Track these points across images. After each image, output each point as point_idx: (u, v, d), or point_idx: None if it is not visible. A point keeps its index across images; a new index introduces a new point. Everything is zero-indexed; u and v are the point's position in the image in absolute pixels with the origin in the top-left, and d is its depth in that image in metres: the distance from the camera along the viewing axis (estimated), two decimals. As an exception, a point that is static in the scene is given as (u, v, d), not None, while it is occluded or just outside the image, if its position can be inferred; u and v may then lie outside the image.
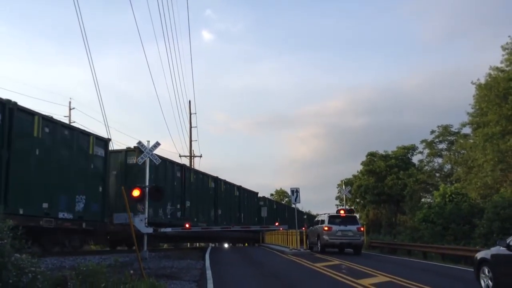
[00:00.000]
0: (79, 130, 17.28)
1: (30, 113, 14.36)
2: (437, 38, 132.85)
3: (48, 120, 15.17)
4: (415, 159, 50.98)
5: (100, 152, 17.87)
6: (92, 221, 16.82)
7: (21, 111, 13.88)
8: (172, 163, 24.09)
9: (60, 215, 15.09)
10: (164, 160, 22.31)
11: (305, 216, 56.51)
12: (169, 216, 22.67)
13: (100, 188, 17.81)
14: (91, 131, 17.79)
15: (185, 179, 25.05)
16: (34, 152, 14.35)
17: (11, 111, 13.43)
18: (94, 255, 16.02)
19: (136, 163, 19.60)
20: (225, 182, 31.77)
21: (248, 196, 37.18)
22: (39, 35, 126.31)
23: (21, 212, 13.48)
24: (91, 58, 30.25)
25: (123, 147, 21.62)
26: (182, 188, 24.51)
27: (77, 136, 16.54)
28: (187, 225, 21.45)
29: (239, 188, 34.98)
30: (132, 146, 20.68)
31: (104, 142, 18.35)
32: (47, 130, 14.90)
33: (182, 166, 25.67)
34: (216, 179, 29.86)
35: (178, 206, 24.00)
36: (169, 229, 20.56)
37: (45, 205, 14.61)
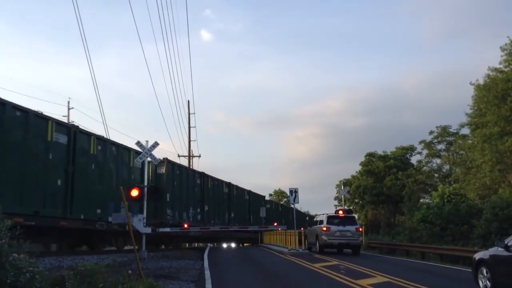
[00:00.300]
0: (123, 146, 20.14)
1: (88, 134, 17.49)
2: (437, 38, 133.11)
3: (100, 139, 18.19)
4: (414, 159, 51.15)
5: (138, 164, 20.33)
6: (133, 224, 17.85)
7: (81, 133, 17.12)
8: (193, 171, 28.93)
9: (109, 219, 16.96)
10: (186, 168, 27.60)
11: (307, 218, 56.49)
12: (191, 219, 25.43)
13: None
14: (131, 147, 20.39)
15: (204, 185, 28.43)
16: (91, 167, 17.46)
17: (75, 134, 16.48)
18: (92, 255, 16.01)
19: (164, 173, 23.18)
20: (237, 187, 35.00)
21: (256, 199, 39.99)
22: (38, 34, 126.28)
23: (82, 217, 16.59)
24: (89, 57, 30.24)
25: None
26: (201, 194, 27.99)
27: (121, 152, 19.78)
28: (185, 225, 21.54)
29: (249, 192, 38.03)
30: (161, 158, 23.06)
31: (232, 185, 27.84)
32: (99, 147, 17.94)
33: (202, 174, 28.94)
34: (229, 185, 33.15)
35: (198, 210, 27.30)
36: (167, 229, 20.61)
37: (98, 211, 17.57)
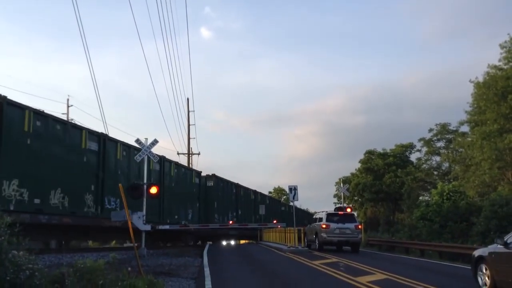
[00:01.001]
0: (184, 166, 29.02)
1: (114, 141, 19.32)
2: (436, 37, 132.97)
3: (125, 145, 20.14)
4: (413, 157, 51.13)
5: (196, 180, 28.42)
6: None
7: (110, 140, 18.89)
8: (231, 183, 34.61)
9: (182, 222, 24.66)
10: (228, 182, 33.90)
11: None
12: (231, 220, 32.31)
13: (198, 204, 28.48)
14: (195, 168, 27.58)
15: (238, 194, 35.50)
16: (117, 171, 19.57)
17: (104, 141, 18.26)
18: (92, 252, 16.02)
19: (212, 185, 30.47)
20: (261, 194, 41.67)
21: (262, 198, 42.81)
22: (37, 32, 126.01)
23: (168, 221, 23.07)
24: (89, 55, 30.16)
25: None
26: (236, 200, 35.19)
27: (188, 172, 27.74)
28: (230, 222, 22.17)
29: (261, 194, 42.50)
30: (210, 174, 31.12)
31: (198, 173, 29.42)
32: (124, 153, 20.02)
33: (236, 185, 35.48)
34: (255, 192, 40.05)
35: (234, 213, 34.13)
36: (166, 227, 20.68)
37: (176, 216, 24.69)
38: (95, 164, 17.71)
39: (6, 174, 13.40)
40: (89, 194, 17.32)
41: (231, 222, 29.68)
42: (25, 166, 14.12)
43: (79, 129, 17.37)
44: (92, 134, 17.72)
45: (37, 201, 14.52)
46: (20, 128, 14.03)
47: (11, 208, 13.32)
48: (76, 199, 16.38)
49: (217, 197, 31.16)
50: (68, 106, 40.04)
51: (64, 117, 32.53)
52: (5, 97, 13.48)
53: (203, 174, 30.58)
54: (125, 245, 24.56)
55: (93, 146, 17.59)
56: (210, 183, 30.44)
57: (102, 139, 18.19)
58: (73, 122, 18.33)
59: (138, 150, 19.46)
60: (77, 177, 16.53)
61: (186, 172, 27.24)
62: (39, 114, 15.03)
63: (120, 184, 12.98)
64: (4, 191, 13.28)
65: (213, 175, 30.73)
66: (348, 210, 25.33)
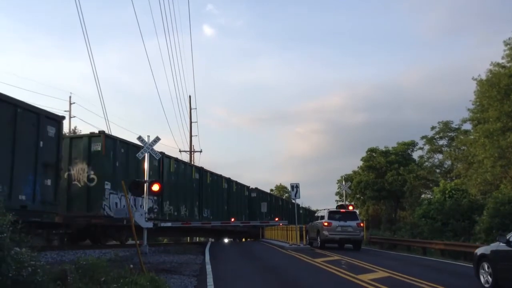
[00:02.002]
0: (189, 164, 29.76)
1: (168, 157, 23.41)
2: (438, 33, 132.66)
3: (176, 160, 24.70)
4: (415, 155, 51.06)
5: (196, 176, 28.10)
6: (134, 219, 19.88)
7: (166, 157, 22.94)
8: (244, 186, 36.84)
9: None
10: (242, 185, 36.24)
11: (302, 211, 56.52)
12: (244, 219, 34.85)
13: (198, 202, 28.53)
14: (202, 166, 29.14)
15: (251, 196, 38.16)
16: (208, 191, 27.82)
17: (162, 158, 21.90)
18: (94, 249, 16.04)
19: (234, 191, 33.67)
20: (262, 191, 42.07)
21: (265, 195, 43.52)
22: (39, 29, 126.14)
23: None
24: (91, 52, 30.15)
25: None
26: (248, 202, 37.87)
27: (188, 168, 26.94)
28: (232, 219, 22.28)
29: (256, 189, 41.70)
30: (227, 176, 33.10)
31: (199, 169, 28.97)
32: (175, 165, 24.23)
33: (255, 189, 39.17)
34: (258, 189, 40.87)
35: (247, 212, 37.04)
36: (169, 224, 20.69)
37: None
38: (198, 187, 26.55)
39: (165, 198, 22.01)
40: (195, 207, 25.98)
41: (232, 219, 29.60)
42: (171, 192, 22.82)
43: (190, 166, 27.05)
44: (197, 167, 27.71)
45: (175, 213, 23.11)
46: (169, 170, 22.99)
47: (166, 218, 21.95)
48: (191, 211, 25.32)
49: (234, 200, 34.02)
50: (70, 104, 40.08)
51: (66, 115, 32.62)
52: (163, 153, 21.80)
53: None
54: (127, 242, 24.58)
55: (197, 176, 26.52)
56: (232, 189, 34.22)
57: (203, 171, 27.82)
58: (190, 163, 27.89)
59: (183, 163, 25.88)
60: (191, 196, 25.58)
61: (186, 168, 27.14)
62: (176, 160, 24.42)
63: (122, 181, 13.09)
64: (164, 208, 21.89)
65: (229, 178, 33.47)
66: (350, 208, 25.30)
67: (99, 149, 17.73)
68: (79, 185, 17.39)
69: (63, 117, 15.39)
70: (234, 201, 33.96)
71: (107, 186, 17.79)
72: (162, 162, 22.71)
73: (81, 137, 18.48)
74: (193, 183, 26.40)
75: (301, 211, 52.58)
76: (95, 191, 17.35)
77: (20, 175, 12.70)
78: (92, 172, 17.34)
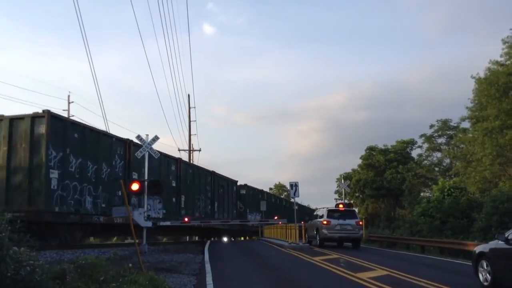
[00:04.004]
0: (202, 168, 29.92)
1: (185, 163, 26.71)
2: (439, 32, 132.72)
3: (186, 163, 27.89)
4: (414, 153, 51.02)
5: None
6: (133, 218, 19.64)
7: (184, 163, 26.56)
8: (255, 189, 40.48)
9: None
10: (254, 189, 39.90)
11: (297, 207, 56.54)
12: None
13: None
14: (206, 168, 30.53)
15: (267, 196, 43.25)
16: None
17: (180, 163, 25.15)
18: (93, 249, 16.04)
19: (245, 194, 37.37)
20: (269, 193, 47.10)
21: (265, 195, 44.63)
22: (39, 28, 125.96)
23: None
24: (89, 51, 30.17)
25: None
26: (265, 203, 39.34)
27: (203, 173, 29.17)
28: (186, 219, 21.67)
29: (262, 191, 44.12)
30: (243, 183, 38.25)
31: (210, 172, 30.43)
32: (190, 171, 26.82)
33: (265, 192, 44.66)
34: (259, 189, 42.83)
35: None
36: (167, 223, 20.68)
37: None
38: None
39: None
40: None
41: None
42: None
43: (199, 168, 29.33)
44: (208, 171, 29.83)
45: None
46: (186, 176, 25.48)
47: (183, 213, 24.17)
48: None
49: (248, 201, 36.35)
50: (69, 103, 40.06)
51: (65, 114, 32.60)
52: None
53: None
54: (126, 241, 24.62)
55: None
56: (243, 191, 36.51)
57: (179, 162, 25.66)
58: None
59: (196, 167, 28.50)
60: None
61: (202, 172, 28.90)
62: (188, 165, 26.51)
63: (122, 180, 13.06)
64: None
65: (246, 185, 37.26)
66: (341, 206, 25.15)
67: (43, 132, 14.85)
68: (19, 175, 14.85)
69: None
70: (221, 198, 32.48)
71: (53, 175, 15.06)
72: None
73: (23, 117, 15.22)
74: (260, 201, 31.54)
75: (296, 207, 52.48)
76: (37, 182, 14.69)
77: None
78: (36, 160, 14.75)
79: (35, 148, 14.80)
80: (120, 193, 17.74)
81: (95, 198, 17.15)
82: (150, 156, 18.75)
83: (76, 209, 15.99)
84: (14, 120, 15.20)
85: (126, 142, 19.55)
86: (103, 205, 17.55)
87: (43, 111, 15.16)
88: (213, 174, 30.43)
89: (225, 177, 33.29)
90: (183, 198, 25.12)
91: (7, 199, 14.54)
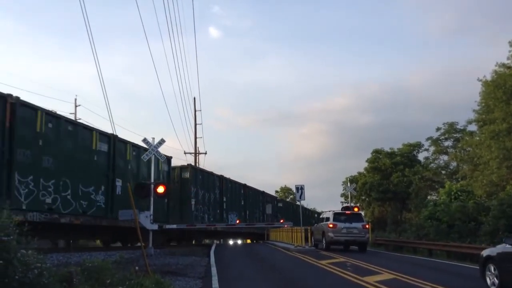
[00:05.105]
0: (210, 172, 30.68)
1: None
2: (444, 34, 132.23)
3: (193, 168, 28.65)
4: (421, 156, 50.94)
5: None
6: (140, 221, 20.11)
7: (202, 171, 29.28)
8: (257, 191, 39.15)
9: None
10: (256, 191, 38.55)
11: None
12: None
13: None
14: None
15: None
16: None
17: (196, 171, 27.57)
18: (99, 252, 16.09)
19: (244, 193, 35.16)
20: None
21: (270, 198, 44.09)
22: (44, 31, 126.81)
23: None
24: (96, 54, 30.18)
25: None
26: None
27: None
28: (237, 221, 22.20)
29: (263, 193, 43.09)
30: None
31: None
32: (200, 177, 27.42)
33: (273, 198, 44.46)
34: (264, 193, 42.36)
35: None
36: (174, 226, 20.74)
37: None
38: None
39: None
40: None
41: (238, 221, 29.66)
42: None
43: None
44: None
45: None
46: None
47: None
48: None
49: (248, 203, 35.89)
50: (75, 106, 40.27)
51: (72, 117, 32.77)
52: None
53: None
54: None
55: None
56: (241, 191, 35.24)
57: (195, 169, 28.71)
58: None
59: (206, 172, 28.90)
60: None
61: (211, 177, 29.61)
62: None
63: (128, 184, 13.12)
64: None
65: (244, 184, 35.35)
66: (355, 209, 25.25)
67: (188, 176, 25.70)
68: (176, 201, 23.12)
69: None
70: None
71: (192, 203, 20.87)
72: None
73: (174, 168, 24.61)
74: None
75: (280, 204, 52.40)
76: (185, 208, 23.75)
77: None
78: (183, 193, 23.54)
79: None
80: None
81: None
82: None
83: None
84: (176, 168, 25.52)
85: (274, 198, 34.91)
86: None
87: (188, 164, 28.39)
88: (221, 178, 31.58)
89: (234, 180, 34.19)
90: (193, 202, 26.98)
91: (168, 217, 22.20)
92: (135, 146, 19.85)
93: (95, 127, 18.14)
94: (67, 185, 15.30)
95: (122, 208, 15.38)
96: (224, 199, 30.68)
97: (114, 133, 18.54)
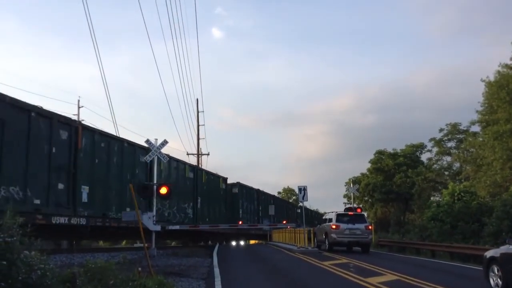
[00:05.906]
0: (216, 175, 31.92)
1: (213, 174, 30.53)
2: (448, 34, 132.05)
3: (240, 184, 35.08)
4: (424, 157, 50.75)
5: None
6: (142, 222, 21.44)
7: (246, 186, 35.68)
8: (252, 188, 38.70)
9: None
10: (251, 188, 38.27)
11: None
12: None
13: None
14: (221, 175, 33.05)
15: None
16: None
17: (242, 187, 34.68)
18: (102, 253, 16.12)
19: (237, 192, 35.00)
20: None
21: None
22: (47, 32, 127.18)
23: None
24: (99, 55, 30.32)
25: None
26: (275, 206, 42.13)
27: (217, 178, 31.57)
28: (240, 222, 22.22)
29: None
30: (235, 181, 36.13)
31: (223, 178, 32.74)
32: (244, 191, 34.85)
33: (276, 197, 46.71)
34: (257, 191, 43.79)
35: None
36: (177, 227, 20.74)
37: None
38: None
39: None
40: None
41: (240, 222, 29.68)
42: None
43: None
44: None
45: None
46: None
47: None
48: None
49: (243, 203, 36.52)
50: (78, 107, 40.34)
51: (75, 118, 32.83)
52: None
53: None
54: (135, 245, 24.70)
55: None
56: (235, 190, 35.78)
57: (204, 172, 29.33)
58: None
59: (212, 174, 29.93)
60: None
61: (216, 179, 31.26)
62: (210, 174, 29.59)
63: (130, 184, 13.14)
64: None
65: (238, 183, 35.85)
66: (358, 210, 25.21)
67: (237, 191, 34.49)
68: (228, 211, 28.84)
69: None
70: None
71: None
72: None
73: (231, 184, 31.15)
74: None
75: (298, 210, 52.34)
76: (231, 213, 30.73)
77: None
78: (231, 204, 28.90)
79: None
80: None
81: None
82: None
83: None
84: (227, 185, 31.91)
85: (276, 197, 40.94)
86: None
87: (237, 182, 34.68)
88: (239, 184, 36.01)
89: (250, 186, 38.43)
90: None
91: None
92: (209, 173, 29.03)
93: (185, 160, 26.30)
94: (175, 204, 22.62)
95: (204, 220, 26.06)
96: (260, 208, 38.51)
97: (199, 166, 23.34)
